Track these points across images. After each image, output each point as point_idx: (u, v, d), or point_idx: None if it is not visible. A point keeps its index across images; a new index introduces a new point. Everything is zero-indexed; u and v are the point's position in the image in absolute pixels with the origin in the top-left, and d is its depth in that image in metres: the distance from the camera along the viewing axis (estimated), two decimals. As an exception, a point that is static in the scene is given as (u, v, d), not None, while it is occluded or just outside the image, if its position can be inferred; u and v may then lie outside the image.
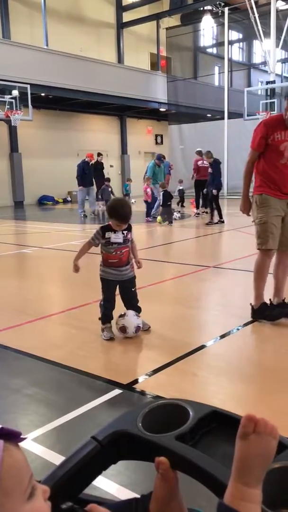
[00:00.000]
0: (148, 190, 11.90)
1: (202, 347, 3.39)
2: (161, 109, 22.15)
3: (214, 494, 0.79)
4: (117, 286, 3.67)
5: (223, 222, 10.71)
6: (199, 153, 12.84)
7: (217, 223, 10.66)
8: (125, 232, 3.54)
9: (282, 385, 2.78)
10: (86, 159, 13.63)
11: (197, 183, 12.59)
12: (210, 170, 10.93)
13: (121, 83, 19.09)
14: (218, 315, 4.27)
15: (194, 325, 3.97)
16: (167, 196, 11.08)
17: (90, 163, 13.60)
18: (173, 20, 22.98)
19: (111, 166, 21.67)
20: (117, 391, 2.71)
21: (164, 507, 0.89)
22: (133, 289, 3.69)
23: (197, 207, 12.88)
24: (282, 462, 0.79)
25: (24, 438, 0.71)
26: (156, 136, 24.97)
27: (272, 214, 3.68)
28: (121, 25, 21.70)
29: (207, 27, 23.05)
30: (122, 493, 1.79)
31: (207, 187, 11.04)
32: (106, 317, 3.64)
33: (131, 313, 3.59)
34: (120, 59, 21.85)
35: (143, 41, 23.21)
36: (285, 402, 2.58)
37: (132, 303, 3.69)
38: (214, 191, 10.58)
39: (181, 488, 0.91)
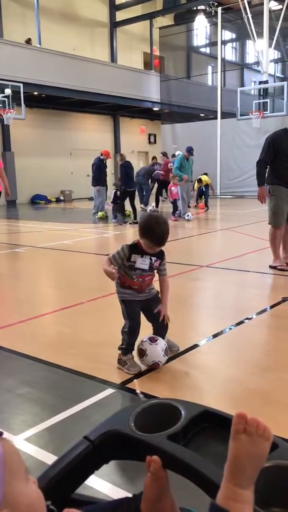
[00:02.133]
0: (173, 188, 11.60)
1: (195, 346, 3.40)
2: (154, 109, 22.16)
3: (206, 493, 0.80)
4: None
5: (136, 223, 10.89)
6: (165, 154, 14.06)
7: (136, 222, 10.87)
8: (153, 258, 2.91)
9: (275, 384, 2.79)
10: (101, 157, 12.68)
11: (161, 182, 13.64)
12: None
13: (114, 82, 19.07)
14: (210, 315, 4.28)
15: (186, 325, 3.98)
16: (121, 195, 11.21)
17: (105, 161, 12.78)
18: (166, 20, 22.99)
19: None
20: (110, 391, 2.71)
21: (155, 506, 0.89)
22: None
23: (157, 205, 13.71)
24: (273, 461, 0.79)
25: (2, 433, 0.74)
26: (149, 135, 24.97)
27: None
28: (114, 24, 21.68)
29: (200, 26, 23.08)
30: (115, 493, 1.79)
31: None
32: (130, 347, 3.02)
33: (161, 343, 2.97)
34: (113, 58, 21.83)
35: (136, 41, 23.20)
36: (276, 400, 2.59)
37: (161, 324, 3.06)
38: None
39: (172, 487, 0.92)
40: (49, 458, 1.97)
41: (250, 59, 28.28)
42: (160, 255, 2.96)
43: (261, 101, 17.52)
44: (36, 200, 19.59)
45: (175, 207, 11.74)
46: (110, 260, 2.91)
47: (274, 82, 22.89)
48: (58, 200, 20.43)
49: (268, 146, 5.39)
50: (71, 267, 6.61)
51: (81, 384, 2.84)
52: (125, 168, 11.20)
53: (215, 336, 3.63)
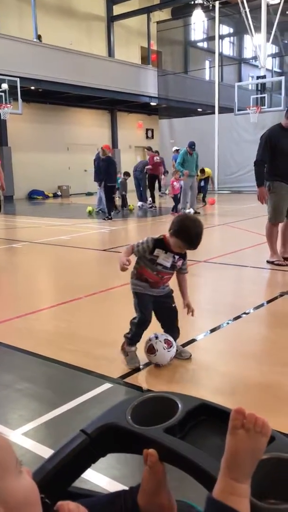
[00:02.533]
0: (175, 183, 11.56)
1: (192, 341, 3.41)
2: (152, 103, 22.09)
3: (203, 485, 0.80)
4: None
5: (110, 218, 11.05)
6: (150, 149, 14.22)
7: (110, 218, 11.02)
8: (176, 257, 2.82)
9: (273, 378, 2.80)
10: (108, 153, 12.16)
11: (150, 177, 13.69)
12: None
13: (111, 77, 18.99)
14: (208, 310, 4.29)
15: (184, 320, 3.98)
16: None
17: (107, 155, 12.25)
18: (163, 14, 22.89)
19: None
20: (107, 385, 2.72)
21: (152, 499, 0.90)
22: (173, 305, 3.02)
23: (145, 200, 13.78)
24: (270, 454, 0.79)
25: None
26: (147, 130, 24.91)
27: None
28: (111, 19, 21.56)
29: (198, 21, 22.98)
30: (113, 486, 1.80)
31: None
32: (135, 338, 2.98)
33: (173, 352, 2.94)
34: (110, 52, 21.73)
35: (134, 35, 23.09)
36: (273, 394, 2.60)
37: (173, 322, 3.04)
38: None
39: (169, 480, 0.92)
40: (47, 453, 1.98)
41: (247, 53, 28.20)
42: (184, 255, 2.87)
43: (259, 96, 17.48)
44: (33, 196, 19.54)
45: (176, 203, 11.69)
46: (132, 248, 2.84)
47: (272, 77, 22.87)
48: (55, 196, 20.38)
49: (265, 144, 5.34)
50: (68, 263, 6.60)
51: (78, 379, 2.85)
52: (107, 163, 11.23)
53: (212, 331, 3.64)
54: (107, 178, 11.20)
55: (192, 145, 11.45)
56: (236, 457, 0.73)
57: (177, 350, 3.01)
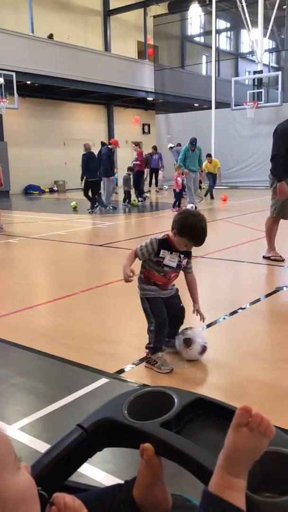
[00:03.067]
0: (179, 179, 11.53)
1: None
2: (148, 98, 22.02)
3: (198, 479, 0.81)
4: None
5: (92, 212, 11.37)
6: (138, 144, 14.29)
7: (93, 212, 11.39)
8: (182, 255, 2.76)
9: (269, 373, 2.81)
10: (110, 146, 12.31)
11: (138, 172, 13.74)
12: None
13: (108, 72, 18.91)
14: (204, 305, 4.28)
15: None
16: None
17: (113, 150, 12.42)
18: (160, 8, 22.77)
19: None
20: (104, 380, 2.72)
21: (148, 492, 0.90)
22: (181, 305, 3.00)
23: (140, 195, 13.86)
24: (267, 447, 0.80)
25: None
26: (144, 125, 24.85)
27: None
28: (108, 13, 21.45)
29: (195, 15, 22.88)
30: (109, 480, 1.81)
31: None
32: (158, 345, 2.86)
33: (197, 328, 2.96)
34: (107, 47, 21.63)
35: (130, 29, 22.99)
36: (270, 389, 2.61)
37: (179, 322, 3.03)
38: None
39: (166, 474, 0.93)
40: (44, 447, 1.98)
41: (244, 48, 28.12)
42: (189, 254, 2.80)
43: (256, 91, 17.45)
44: (30, 191, 19.49)
45: (178, 198, 11.66)
46: (135, 252, 2.74)
47: (269, 72, 22.82)
48: (51, 191, 20.33)
49: (282, 139, 5.24)
50: (65, 258, 6.59)
51: (75, 374, 2.85)
52: (86, 158, 11.54)
53: (208, 326, 3.65)
54: (87, 173, 11.47)
55: (193, 142, 11.45)
56: (236, 454, 0.73)
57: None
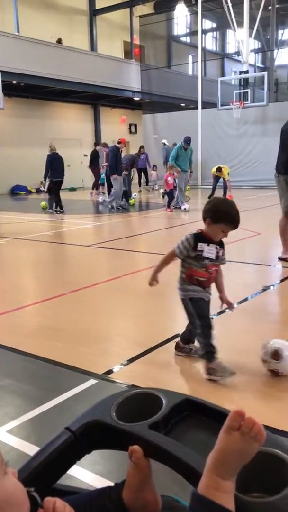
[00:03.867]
0: (169, 179, 11.44)
1: (177, 335, 3.42)
2: (135, 98, 22.01)
3: (187, 480, 0.81)
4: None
5: (62, 212, 11.54)
6: (106, 145, 14.22)
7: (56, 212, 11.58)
8: (218, 246, 2.75)
9: (257, 373, 2.83)
10: (118, 145, 12.01)
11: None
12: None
13: (94, 71, 18.86)
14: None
15: (168, 315, 4.00)
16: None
17: (121, 149, 12.21)
18: (146, 8, 22.78)
19: (85, 155, 21.48)
20: (92, 381, 2.72)
21: (137, 494, 0.90)
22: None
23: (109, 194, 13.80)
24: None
25: None
26: (130, 125, 24.83)
27: None
28: (94, 12, 21.39)
29: (181, 15, 22.94)
30: (98, 482, 1.80)
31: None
32: (211, 349, 2.72)
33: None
34: (93, 47, 21.57)
35: (117, 29, 22.95)
36: (257, 385, 2.63)
37: None
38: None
39: (156, 475, 0.93)
40: (32, 450, 1.97)
41: (230, 48, 28.25)
42: (222, 243, 2.80)
43: (242, 91, 17.55)
44: (16, 191, 19.36)
45: (171, 198, 11.61)
46: (173, 252, 2.77)
47: (255, 72, 22.96)
48: (38, 191, 20.21)
49: None
50: (52, 258, 6.57)
51: (63, 375, 2.84)
52: (51, 159, 11.78)
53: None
54: (51, 174, 11.70)
55: (187, 140, 11.43)
56: (225, 457, 0.74)
57: (191, 350, 3.00)
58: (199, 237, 2.71)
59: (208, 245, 2.70)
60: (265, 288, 4.55)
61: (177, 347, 3.04)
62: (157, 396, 0.97)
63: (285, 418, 2.31)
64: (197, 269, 2.73)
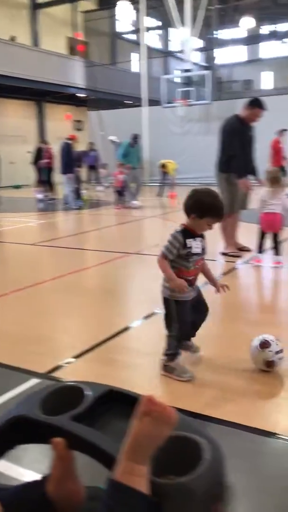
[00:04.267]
0: (120, 176, 11.35)
1: (122, 331, 3.45)
2: (80, 95, 21.82)
3: (108, 469, 0.83)
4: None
5: None
6: (46, 142, 14.39)
7: None
8: (200, 238, 2.69)
9: (198, 363, 2.90)
10: (70, 141, 11.57)
11: (48, 169, 13.68)
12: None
13: (37, 67, 18.53)
14: (140, 301, 4.35)
15: (116, 311, 4.02)
16: None
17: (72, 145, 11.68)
18: (90, 4, 22.58)
19: (28, 152, 21.09)
20: (34, 381, 2.69)
21: (61, 486, 0.92)
22: (205, 302, 2.86)
23: (51, 190, 13.73)
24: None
25: None
26: (76, 122, 24.59)
27: None
28: (35, 6, 20.98)
29: (125, 12, 22.91)
30: (25, 477, 1.79)
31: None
32: (177, 350, 2.74)
33: (274, 342, 2.70)
34: (36, 42, 21.17)
35: (60, 24, 22.62)
36: (199, 382, 2.69)
37: (203, 320, 2.88)
38: None
39: (85, 467, 0.94)
40: None
41: (174, 47, 28.53)
42: (203, 235, 2.73)
43: (186, 89, 17.79)
44: None
45: (120, 196, 11.56)
46: (164, 257, 2.63)
47: (198, 70, 23.30)
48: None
49: (233, 137, 5.31)
50: (-5, 258, 6.42)
51: (4, 376, 2.80)
52: None
53: (143, 320, 3.70)
54: None
55: (135, 138, 11.45)
56: (138, 441, 0.76)
57: (191, 346, 2.94)
58: (185, 233, 2.63)
59: (194, 239, 2.64)
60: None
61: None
62: (80, 388, 0.98)
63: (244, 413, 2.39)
64: (186, 269, 2.65)
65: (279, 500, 1.70)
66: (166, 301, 2.70)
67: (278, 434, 2.15)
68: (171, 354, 2.71)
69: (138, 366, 2.92)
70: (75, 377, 2.74)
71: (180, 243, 2.59)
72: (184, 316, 2.68)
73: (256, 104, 5.25)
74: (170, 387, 2.62)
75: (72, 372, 2.83)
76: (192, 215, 2.60)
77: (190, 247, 2.60)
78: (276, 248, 5.20)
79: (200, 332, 2.91)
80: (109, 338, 3.30)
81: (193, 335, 2.91)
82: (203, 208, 2.56)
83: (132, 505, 0.72)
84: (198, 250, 2.64)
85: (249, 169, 5.51)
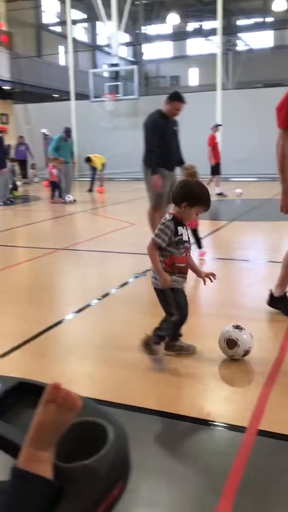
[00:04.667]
0: (54, 170, 11.16)
1: (53, 327, 3.42)
2: (4, 87, 21.15)
3: (15, 459, 0.84)
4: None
5: None
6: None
7: None
8: (185, 227, 2.75)
9: (126, 355, 2.94)
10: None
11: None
12: None
13: None
14: (72, 296, 4.34)
15: (46, 307, 3.97)
16: None
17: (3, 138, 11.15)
18: (13, -7, 21.90)
19: None
20: None
21: None
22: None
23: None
24: (77, 418, 0.86)
25: None
26: (1, 115, 23.82)
27: None
28: None
29: (50, 3, 22.48)
30: None
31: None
32: (166, 337, 2.80)
33: (247, 329, 2.79)
34: None
35: (-19, 13, 21.75)
36: (124, 370, 2.74)
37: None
38: None
39: None
40: None
41: (101, 41, 28.40)
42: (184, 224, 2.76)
43: (113, 83, 17.77)
44: None
45: (54, 189, 11.41)
46: (154, 244, 2.63)
47: (126, 65, 23.36)
48: None
49: (154, 132, 5.33)
50: None
51: None
52: None
53: (75, 314, 3.69)
54: None
55: (67, 131, 11.34)
56: (42, 428, 0.78)
57: (182, 346, 2.90)
58: (175, 221, 2.67)
59: (183, 227, 2.70)
60: (137, 276, 4.72)
61: (168, 346, 2.88)
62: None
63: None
64: (178, 255, 2.69)
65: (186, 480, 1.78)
66: (162, 292, 2.72)
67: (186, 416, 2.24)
68: (159, 336, 2.73)
69: (64, 362, 2.91)
70: (10, 373, 2.69)
71: (172, 230, 2.64)
72: (181, 303, 2.73)
73: (175, 98, 5.36)
74: (100, 378, 2.65)
75: (6, 367, 2.78)
76: (183, 203, 2.65)
77: (182, 234, 2.67)
78: (198, 241, 5.35)
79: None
80: (40, 334, 3.27)
81: (179, 334, 2.90)
82: (194, 196, 2.64)
83: (35, 491, 0.74)
84: (187, 238, 2.71)
85: (174, 161, 5.61)
